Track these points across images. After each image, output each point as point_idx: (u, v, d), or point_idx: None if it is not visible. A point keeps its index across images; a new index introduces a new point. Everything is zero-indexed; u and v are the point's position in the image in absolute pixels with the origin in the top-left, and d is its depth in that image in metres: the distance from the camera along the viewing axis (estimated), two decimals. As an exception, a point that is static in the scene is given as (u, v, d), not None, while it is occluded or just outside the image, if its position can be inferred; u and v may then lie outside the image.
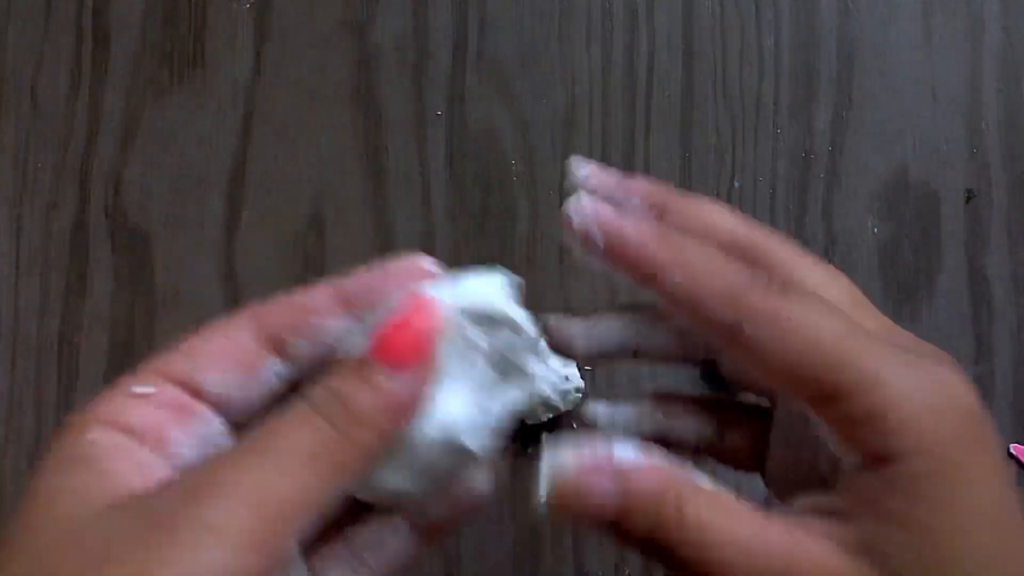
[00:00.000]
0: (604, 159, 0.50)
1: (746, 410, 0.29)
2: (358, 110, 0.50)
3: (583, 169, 0.27)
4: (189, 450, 0.23)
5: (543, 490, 0.22)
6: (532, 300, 0.49)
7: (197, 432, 0.23)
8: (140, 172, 0.49)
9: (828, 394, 0.22)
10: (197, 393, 0.23)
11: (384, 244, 0.49)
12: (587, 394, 0.48)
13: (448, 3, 0.51)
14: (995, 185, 0.51)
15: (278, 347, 0.24)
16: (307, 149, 0.50)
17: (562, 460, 0.22)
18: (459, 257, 0.49)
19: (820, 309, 0.23)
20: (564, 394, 0.46)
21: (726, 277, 0.23)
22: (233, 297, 0.48)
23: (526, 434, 0.48)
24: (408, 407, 0.22)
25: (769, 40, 0.51)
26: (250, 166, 0.49)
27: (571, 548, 0.47)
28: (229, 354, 0.23)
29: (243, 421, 0.24)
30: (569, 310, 0.49)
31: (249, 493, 0.19)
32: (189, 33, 0.50)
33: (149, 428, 0.22)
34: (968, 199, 0.51)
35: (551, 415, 0.46)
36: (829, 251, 0.50)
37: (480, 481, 0.25)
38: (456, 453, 0.23)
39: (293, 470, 0.20)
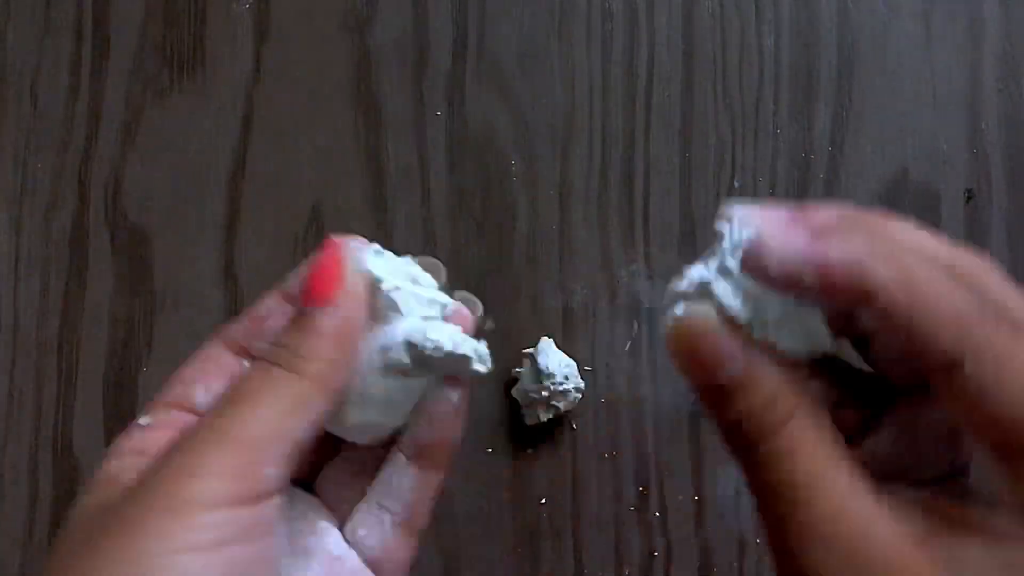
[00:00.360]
0: (604, 159, 0.50)
1: (866, 382, 0.26)
2: (358, 110, 0.50)
3: (742, 212, 0.23)
4: None
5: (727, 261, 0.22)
6: (532, 300, 0.50)
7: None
8: (140, 172, 0.49)
9: None
10: (192, 410, 0.26)
11: (384, 244, 0.49)
12: (585, 394, 0.48)
13: (448, 3, 0.51)
14: (995, 185, 0.51)
15: (246, 352, 0.27)
16: (307, 149, 0.50)
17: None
18: (459, 256, 0.49)
19: None
20: (565, 394, 0.46)
21: (954, 303, 0.21)
22: (233, 297, 0.48)
23: (526, 435, 0.48)
24: (341, 333, 0.24)
25: (769, 40, 0.51)
26: (250, 166, 0.49)
27: (571, 547, 0.47)
28: (210, 370, 0.27)
29: None
30: (569, 310, 0.49)
31: (223, 435, 0.22)
32: (189, 33, 0.50)
33: (157, 447, 0.24)
34: (968, 199, 0.51)
35: (551, 415, 0.46)
36: (829, 251, 0.50)
37: (445, 396, 0.27)
38: (398, 376, 0.26)
39: (257, 411, 0.23)
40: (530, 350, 0.47)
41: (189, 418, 0.26)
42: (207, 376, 0.26)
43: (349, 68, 0.50)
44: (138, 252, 0.49)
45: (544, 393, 0.46)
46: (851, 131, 0.51)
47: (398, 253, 0.27)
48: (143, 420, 0.25)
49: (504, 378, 0.48)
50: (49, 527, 0.47)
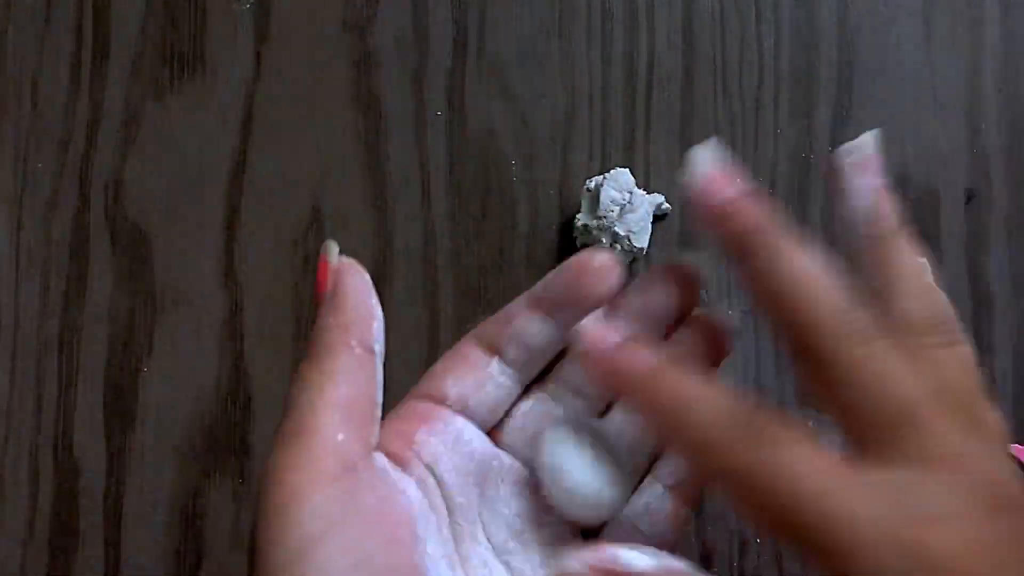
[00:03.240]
0: (604, 159, 0.50)
1: None
2: (358, 110, 0.50)
3: (702, 166, 0.26)
4: (437, 446, 0.28)
5: None
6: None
7: (441, 430, 0.28)
8: (140, 172, 0.49)
9: (801, 550, 0.22)
10: (441, 400, 0.28)
11: (384, 244, 0.49)
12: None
13: (448, 3, 0.51)
14: (995, 185, 0.51)
15: (497, 351, 0.29)
16: (307, 149, 0.50)
17: (567, 564, 0.23)
18: (459, 257, 0.49)
19: (801, 460, 0.22)
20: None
21: (707, 426, 0.23)
22: (233, 297, 0.49)
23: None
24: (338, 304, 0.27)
25: (769, 40, 0.51)
26: (250, 166, 0.49)
27: (571, 548, 0.47)
28: (460, 365, 0.29)
29: (492, 423, 0.29)
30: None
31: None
32: (189, 33, 0.50)
33: (401, 438, 0.27)
34: (968, 199, 0.51)
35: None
36: (829, 251, 0.50)
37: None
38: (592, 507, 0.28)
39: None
40: (530, 350, 0.47)
41: (436, 410, 0.28)
42: (456, 369, 0.29)
43: (349, 68, 0.50)
44: (138, 252, 0.49)
45: (544, 393, 0.46)
46: (851, 131, 0.51)
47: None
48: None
49: (504, 378, 0.48)
50: (49, 527, 0.47)
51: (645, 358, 0.25)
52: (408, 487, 0.26)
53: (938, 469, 0.22)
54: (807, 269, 0.25)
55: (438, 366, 0.29)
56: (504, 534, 0.28)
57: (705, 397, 0.24)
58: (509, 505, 0.28)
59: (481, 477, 0.28)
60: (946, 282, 0.51)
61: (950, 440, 0.23)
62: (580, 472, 0.27)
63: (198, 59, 0.50)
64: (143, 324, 0.48)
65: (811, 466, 0.22)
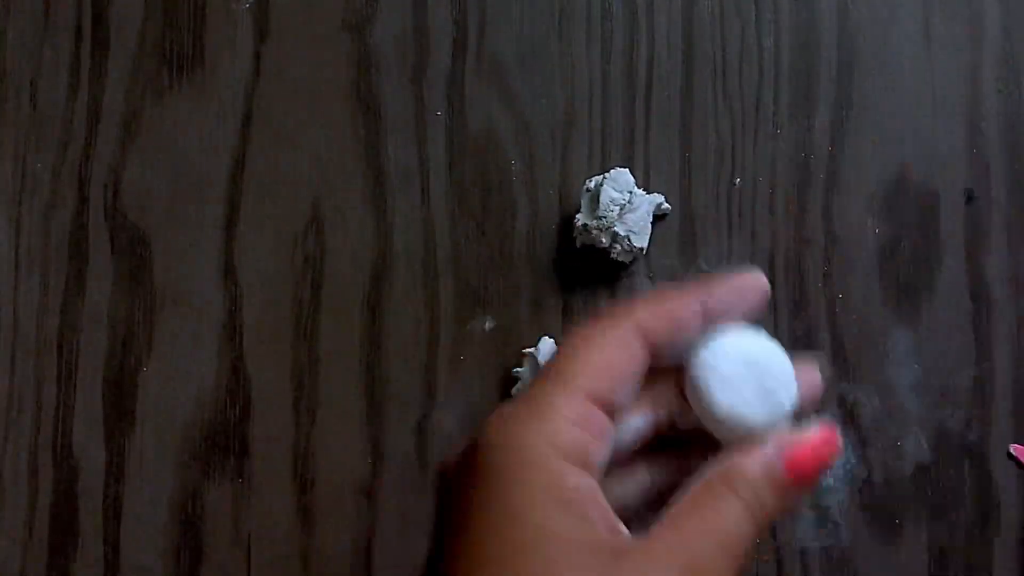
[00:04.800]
0: (604, 159, 0.50)
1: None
2: (358, 110, 0.50)
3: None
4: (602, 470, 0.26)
5: None
6: (532, 300, 0.50)
7: (607, 452, 0.26)
8: (139, 172, 0.49)
9: None
10: (611, 412, 0.25)
11: (384, 244, 0.49)
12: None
13: (448, 3, 0.51)
14: (995, 185, 0.51)
15: (654, 353, 0.26)
16: (307, 149, 0.50)
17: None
18: (459, 257, 0.49)
19: None
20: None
21: None
22: (233, 297, 0.48)
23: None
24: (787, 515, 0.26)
25: (769, 40, 0.51)
26: (250, 166, 0.49)
27: (571, 548, 0.47)
28: (631, 368, 0.26)
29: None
30: (569, 310, 0.49)
31: (680, 564, 0.23)
32: (189, 33, 0.50)
33: (593, 460, 0.25)
34: (968, 199, 0.51)
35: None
36: (829, 251, 0.50)
37: None
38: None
39: (713, 556, 0.23)
40: (530, 350, 0.47)
41: (609, 428, 0.25)
42: (629, 375, 0.26)
43: (349, 68, 0.50)
44: (138, 252, 0.49)
45: (544, 393, 0.46)
46: (851, 131, 0.51)
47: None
48: (578, 416, 0.25)
49: (504, 378, 0.48)
50: (49, 527, 0.47)
51: None
52: None
53: None
54: None
55: (608, 360, 0.26)
56: None
57: None
58: None
59: None
60: (946, 282, 0.51)
61: None
62: (733, 398, 0.26)
63: (198, 59, 0.50)
64: (143, 324, 0.48)
65: None
